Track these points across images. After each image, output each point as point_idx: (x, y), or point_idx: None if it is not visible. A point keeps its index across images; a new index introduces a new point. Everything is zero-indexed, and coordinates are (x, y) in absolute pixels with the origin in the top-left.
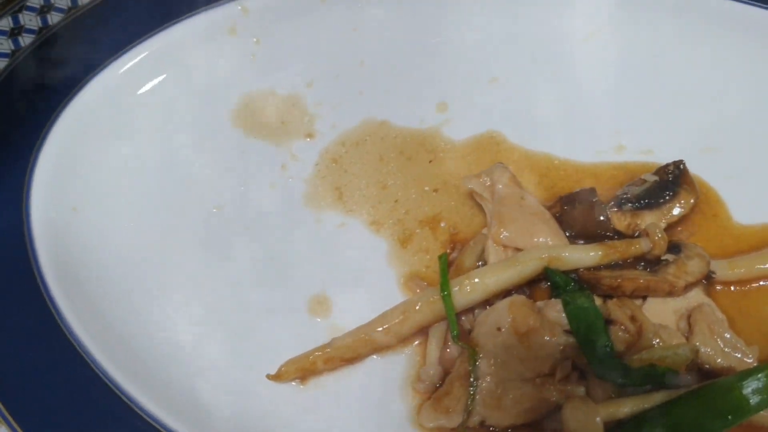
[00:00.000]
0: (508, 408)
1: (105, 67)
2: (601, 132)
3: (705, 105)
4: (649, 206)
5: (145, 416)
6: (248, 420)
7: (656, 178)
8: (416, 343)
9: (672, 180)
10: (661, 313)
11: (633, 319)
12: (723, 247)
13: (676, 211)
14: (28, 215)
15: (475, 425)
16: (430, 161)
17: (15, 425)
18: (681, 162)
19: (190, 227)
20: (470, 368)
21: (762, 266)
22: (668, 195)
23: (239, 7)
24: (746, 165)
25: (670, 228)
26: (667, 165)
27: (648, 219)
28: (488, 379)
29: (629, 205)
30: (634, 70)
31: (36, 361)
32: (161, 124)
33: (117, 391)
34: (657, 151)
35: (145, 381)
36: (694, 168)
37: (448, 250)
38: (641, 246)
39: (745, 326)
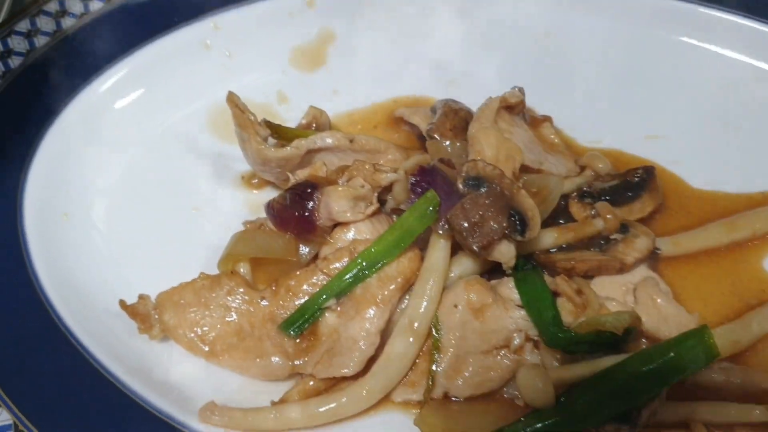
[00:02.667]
0: (468, 379)
1: (90, 82)
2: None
3: (648, 96)
4: (609, 203)
5: (142, 403)
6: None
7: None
8: None
9: (638, 183)
10: (608, 287)
11: (579, 292)
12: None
13: (635, 213)
14: (21, 220)
15: (439, 396)
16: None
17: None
18: (652, 168)
19: (172, 228)
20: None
21: (704, 241)
22: (630, 196)
23: (212, 24)
24: (686, 150)
25: None
26: (637, 168)
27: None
28: (449, 352)
29: (589, 198)
30: (585, 67)
31: (36, 358)
32: (143, 133)
33: (117, 384)
34: (605, 140)
35: (143, 374)
36: (639, 153)
37: None
38: (594, 226)
39: (689, 296)
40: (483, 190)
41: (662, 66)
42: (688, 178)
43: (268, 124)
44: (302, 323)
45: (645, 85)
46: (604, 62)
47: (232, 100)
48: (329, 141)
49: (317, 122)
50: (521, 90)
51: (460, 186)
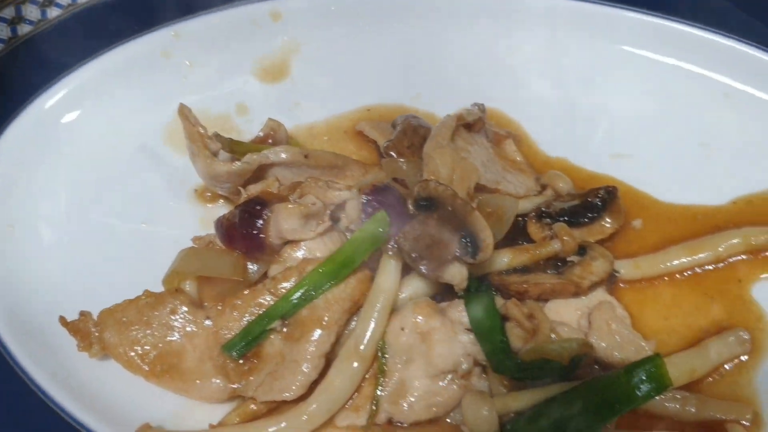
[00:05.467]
0: (413, 404)
1: (46, 89)
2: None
3: (614, 116)
4: (568, 224)
5: (72, 422)
6: None
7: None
8: None
9: (600, 204)
10: (563, 311)
11: (531, 317)
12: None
13: (595, 234)
14: None
15: (383, 422)
16: None
17: None
18: (614, 188)
19: (121, 243)
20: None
21: (665, 264)
22: (591, 216)
23: (172, 33)
24: (652, 169)
25: None
26: (599, 188)
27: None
28: (395, 376)
29: (548, 219)
30: (553, 87)
31: None
32: (97, 145)
33: (50, 403)
34: (571, 158)
35: (79, 393)
36: (605, 171)
37: None
38: (550, 248)
39: (649, 321)
40: (434, 211)
41: (629, 82)
42: (659, 194)
43: (220, 138)
44: (245, 345)
45: (612, 101)
46: (570, 77)
47: (183, 112)
48: (283, 156)
49: (275, 135)
50: (481, 107)
51: (410, 207)
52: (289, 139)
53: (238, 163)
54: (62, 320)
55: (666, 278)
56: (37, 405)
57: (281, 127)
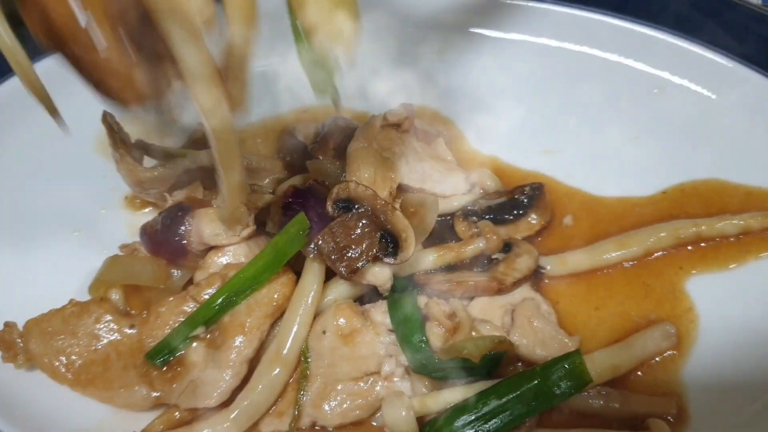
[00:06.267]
0: (336, 407)
1: None
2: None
3: (546, 112)
4: (493, 221)
5: None
6: None
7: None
8: None
9: (525, 201)
10: (487, 309)
11: (453, 315)
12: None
13: (521, 231)
14: None
15: (307, 426)
16: None
17: None
18: (540, 185)
19: (50, 252)
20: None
21: (592, 259)
22: (517, 214)
23: None
24: (584, 164)
25: None
26: (525, 185)
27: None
28: (317, 380)
29: (474, 217)
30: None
31: None
32: (30, 152)
33: None
34: (503, 156)
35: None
36: (537, 168)
37: None
38: (476, 246)
39: (576, 317)
40: (354, 212)
41: (560, 78)
42: (591, 189)
43: (142, 144)
44: (168, 354)
45: (544, 98)
46: (502, 74)
47: (106, 119)
48: (206, 161)
49: (206, 139)
50: (408, 107)
51: (329, 209)
52: None
53: (160, 169)
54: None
55: (594, 272)
56: None
57: None
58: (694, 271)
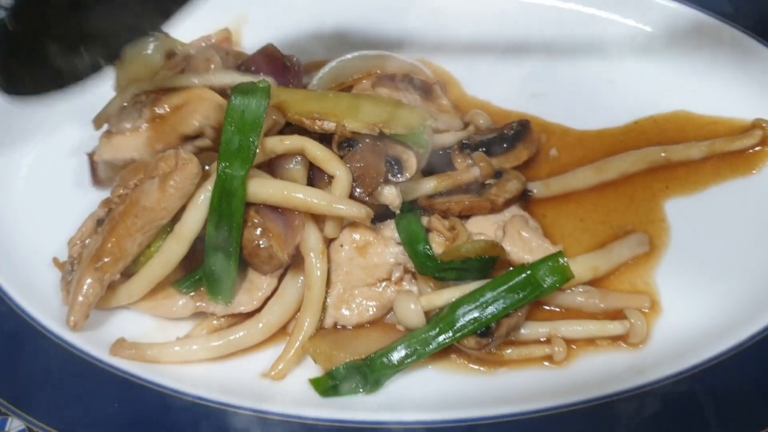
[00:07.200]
0: (354, 309)
1: None
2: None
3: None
4: (486, 153)
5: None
6: None
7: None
8: None
9: (513, 134)
10: (482, 226)
11: (452, 228)
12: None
13: (510, 161)
14: None
15: (330, 326)
16: None
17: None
18: (527, 121)
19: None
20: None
21: (573, 183)
22: (507, 146)
23: None
24: (566, 105)
25: None
26: (513, 122)
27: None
28: (338, 286)
29: (469, 150)
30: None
31: None
32: None
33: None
34: (495, 101)
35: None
36: (525, 110)
37: None
38: (470, 174)
39: (560, 232)
40: (357, 147)
41: (548, 31)
42: (573, 124)
43: None
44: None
45: (532, 49)
46: (495, 26)
47: None
48: None
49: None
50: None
51: (335, 149)
52: None
53: None
54: (55, 261)
55: (576, 194)
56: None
57: None
58: (669, 190)
